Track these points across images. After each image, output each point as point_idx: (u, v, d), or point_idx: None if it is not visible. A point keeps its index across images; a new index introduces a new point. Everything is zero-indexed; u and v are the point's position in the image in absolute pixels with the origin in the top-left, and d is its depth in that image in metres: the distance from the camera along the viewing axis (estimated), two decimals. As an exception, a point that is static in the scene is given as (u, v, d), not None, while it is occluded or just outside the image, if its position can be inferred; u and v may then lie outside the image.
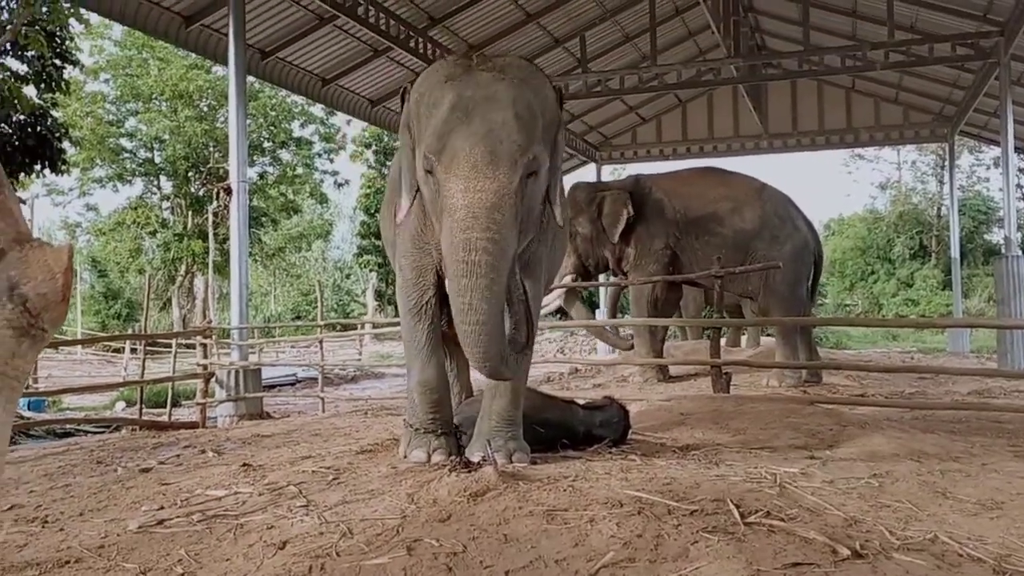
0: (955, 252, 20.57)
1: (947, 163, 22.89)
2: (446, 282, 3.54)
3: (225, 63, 11.00)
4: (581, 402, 4.78)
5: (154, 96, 28.29)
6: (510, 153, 3.39)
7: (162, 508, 3.46)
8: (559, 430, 4.38)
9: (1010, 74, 13.32)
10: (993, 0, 12.82)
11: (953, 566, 2.36)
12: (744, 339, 14.71)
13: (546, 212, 3.99)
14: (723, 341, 13.73)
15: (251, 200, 29.84)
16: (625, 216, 9.85)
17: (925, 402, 7.42)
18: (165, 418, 9.28)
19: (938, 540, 2.59)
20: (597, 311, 21.62)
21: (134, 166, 29.74)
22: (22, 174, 13.18)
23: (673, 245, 9.89)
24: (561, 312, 11.21)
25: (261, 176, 30.77)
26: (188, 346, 15.92)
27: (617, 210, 9.92)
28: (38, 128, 12.42)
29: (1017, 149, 17.32)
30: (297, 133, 31.17)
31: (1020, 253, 13.14)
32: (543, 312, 11.03)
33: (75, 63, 13.83)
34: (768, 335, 14.75)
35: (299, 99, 27.28)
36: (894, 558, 2.39)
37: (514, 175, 3.39)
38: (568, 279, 10.29)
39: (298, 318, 37.03)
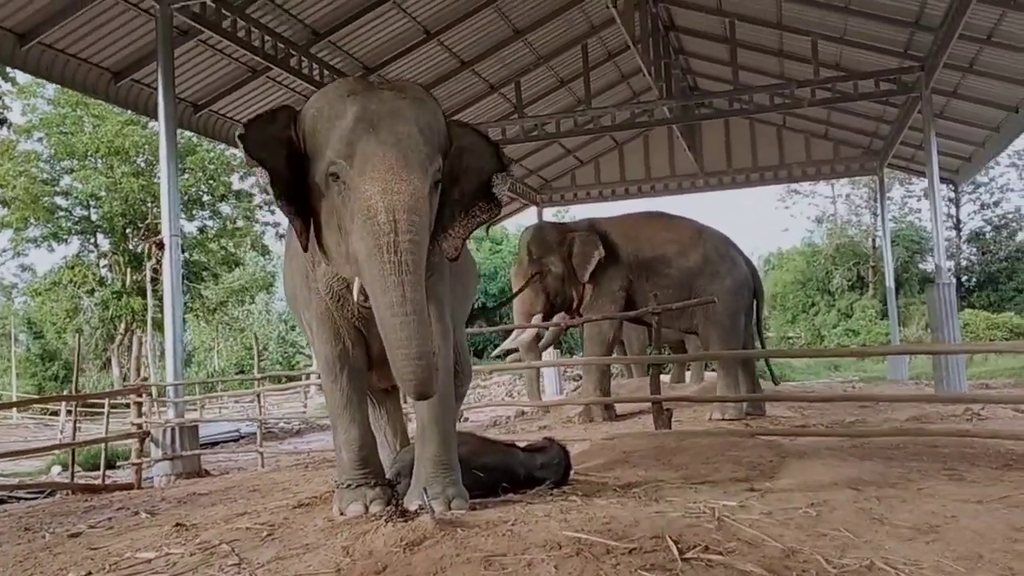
0: (890, 282, 21.05)
1: (879, 196, 23.48)
2: (367, 288, 3.43)
3: (156, 117, 10.88)
4: (521, 445, 4.73)
5: (89, 153, 27.76)
6: (420, 160, 3.44)
7: (89, 574, 3.33)
8: (499, 474, 4.33)
9: (931, 107, 13.78)
10: (913, 36, 13.29)
11: (888, 592, 2.36)
12: (688, 375, 14.83)
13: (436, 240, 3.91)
14: (667, 378, 13.84)
15: (191, 254, 29.41)
16: (596, 257, 10.02)
17: (864, 430, 7.52)
18: (99, 480, 9.02)
19: (874, 567, 2.59)
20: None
21: (70, 224, 29.06)
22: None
23: (627, 287, 10.09)
24: (506, 352, 11.22)
25: (201, 230, 30.34)
26: (126, 405, 15.54)
27: (588, 252, 10.08)
28: (-34, 189, 12.13)
29: (943, 180, 17.82)
30: (237, 186, 30.78)
31: (951, 280, 13.47)
32: (512, 346, 10.97)
33: (3, 122, 13.58)
34: (711, 370, 14.87)
35: (238, 152, 26.99)
36: (829, 587, 2.39)
37: (425, 180, 3.44)
38: (537, 319, 10.32)
39: (242, 372, 36.36)
